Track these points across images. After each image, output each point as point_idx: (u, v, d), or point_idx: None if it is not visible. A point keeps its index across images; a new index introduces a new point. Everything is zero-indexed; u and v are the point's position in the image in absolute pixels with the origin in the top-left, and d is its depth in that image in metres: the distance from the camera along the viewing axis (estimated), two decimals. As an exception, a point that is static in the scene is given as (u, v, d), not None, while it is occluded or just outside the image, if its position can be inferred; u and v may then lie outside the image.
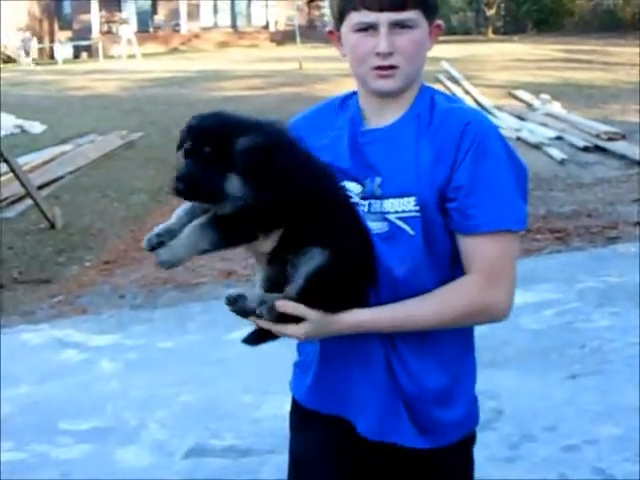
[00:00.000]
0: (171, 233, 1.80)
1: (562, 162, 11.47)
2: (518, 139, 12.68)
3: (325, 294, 1.87)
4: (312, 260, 1.84)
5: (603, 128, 12.85)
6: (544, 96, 15.95)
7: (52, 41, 38.09)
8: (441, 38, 2.04)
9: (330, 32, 2.01)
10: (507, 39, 33.88)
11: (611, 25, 35.56)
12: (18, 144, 13.21)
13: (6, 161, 8.97)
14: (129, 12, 39.01)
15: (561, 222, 8.49)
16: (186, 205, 1.85)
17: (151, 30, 39.81)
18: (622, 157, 11.53)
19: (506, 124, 13.81)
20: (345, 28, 1.93)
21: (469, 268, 1.91)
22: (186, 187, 1.75)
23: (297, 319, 1.87)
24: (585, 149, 12.08)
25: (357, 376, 2.00)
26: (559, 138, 12.77)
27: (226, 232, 1.79)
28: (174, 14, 39.87)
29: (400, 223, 1.90)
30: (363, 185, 1.94)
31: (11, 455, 4.18)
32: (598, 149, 12.09)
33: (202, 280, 7.02)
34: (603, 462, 3.82)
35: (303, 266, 1.85)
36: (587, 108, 15.49)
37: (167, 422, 4.45)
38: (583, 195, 9.83)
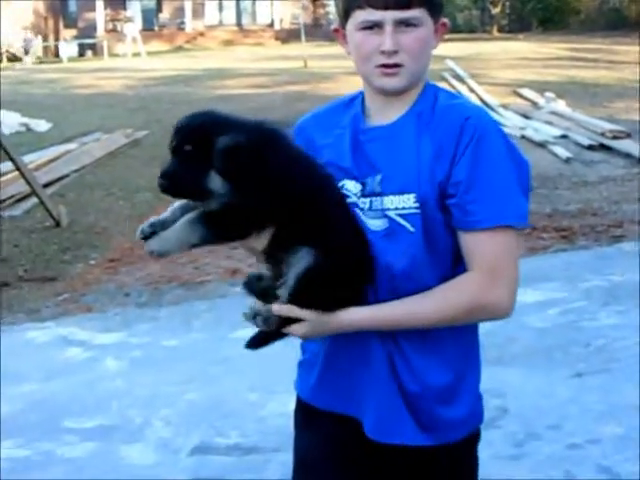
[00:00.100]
0: (164, 225, 1.86)
1: (567, 160, 11.44)
2: (523, 137, 12.65)
3: (317, 294, 1.88)
4: (302, 260, 1.86)
5: (608, 126, 12.82)
6: (549, 94, 15.92)
7: (57, 39, 38.14)
8: (446, 36, 2.04)
9: (335, 30, 2.01)
10: (512, 37, 33.84)
11: (617, 23, 35.49)
12: (23, 142, 13.23)
13: (11, 159, 8.98)
14: (134, 10, 39.01)
15: (566, 221, 8.48)
16: (182, 201, 1.89)
17: (156, 28, 39.83)
18: (627, 155, 11.50)
19: (511, 122, 13.79)
20: (350, 26, 1.93)
21: (470, 265, 1.90)
22: (169, 184, 1.81)
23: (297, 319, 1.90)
24: (590, 147, 12.05)
25: (360, 374, 2.00)
26: (564, 136, 12.74)
27: (215, 228, 1.83)
28: (179, 12, 39.87)
29: (400, 220, 1.89)
30: (364, 183, 1.94)
31: (16, 452, 4.19)
32: (603, 147, 12.06)
33: (207, 278, 7.02)
34: (608, 460, 3.82)
35: (293, 266, 1.87)
36: (592, 107, 15.45)
37: (172, 420, 4.45)
38: (588, 194, 9.81)
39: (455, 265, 1.94)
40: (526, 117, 14.50)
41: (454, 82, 18.20)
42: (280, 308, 1.90)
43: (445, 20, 1.98)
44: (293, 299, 1.88)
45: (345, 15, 1.94)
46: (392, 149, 1.93)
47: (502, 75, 20.01)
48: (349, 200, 1.95)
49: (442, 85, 2.09)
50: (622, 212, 8.79)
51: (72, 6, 40.05)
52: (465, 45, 27.01)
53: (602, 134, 12.50)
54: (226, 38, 39.27)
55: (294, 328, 1.92)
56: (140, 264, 7.50)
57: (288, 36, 37.99)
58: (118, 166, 12.11)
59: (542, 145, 12.29)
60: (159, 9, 40.51)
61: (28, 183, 9.09)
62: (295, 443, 2.18)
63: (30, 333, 5.95)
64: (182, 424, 4.40)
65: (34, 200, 9.42)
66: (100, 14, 38.52)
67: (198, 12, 40.22)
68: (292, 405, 2.18)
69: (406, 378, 1.97)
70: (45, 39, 37.57)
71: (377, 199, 1.92)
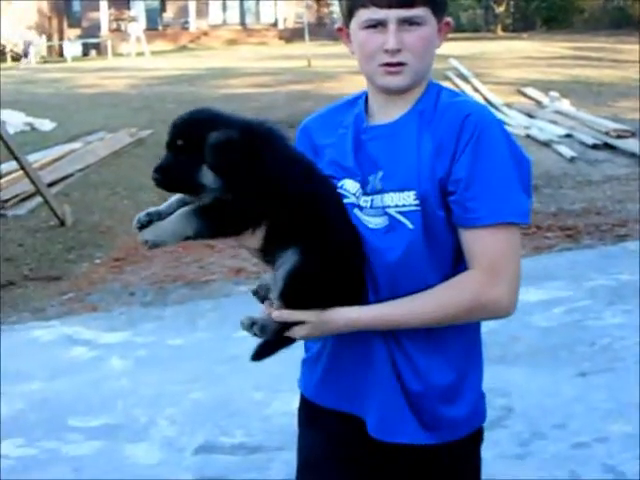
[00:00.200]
0: (160, 216, 1.87)
1: (572, 160, 11.44)
2: (527, 137, 12.65)
3: (305, 293, 1.89)
4: (289, 260, 1.87)
5: (612, 126, 12.81)
6: (553, 94, 15.91)
7: (61, 39, 38.16)
8: (450, 35, 2.04)
9: (339, 29, 2.02)
10: (516, 36, 33.82)
11: (621, 22, 35.48)
12: (28, 142, 13.24)
13: (16, 158, 8.99)
14: (138, 10, 39.01)
15: (571, 220, 8.48)
16: (181, 195, 1.91)
17: (160, 28, 39.84)
18: (631, 155, 11.48)
19: (515, 122, 13.79)
20: (354, 25, 1.93)
21: (470, 263, 1.89)
22: (162, 178, 1.84)
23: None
24: (594, 147, 12.04)
25: (362, 373, 2.00)
26: (568, 136, 12.74)
27: (210, 222, 1.85)
28: (183, 12, 39.89)
29: (400, 217, 1.89)
30: (366, 182, 1.94)
31: (21, 451, 4.20)
32: (607, 147, 12.05)
33: (212, 277, 7.03)
34: (613, 459, 3.82)
35: (281, 267, 1.89)
36: (596, 106, 15.45)
37: (177, 419, 4.46)
38: (592, 193, 9.80)
39: (456, 263, 1.93)
40: (530, 116, 14.50)
41: (458, 81, 18.20)
42: (280, 314, 1.91)
43: (449, 19, 1.98)
44: (282, 299, 1.89)
45: (349, 14, 1.94)
46: (393, 147, 1.93)
47: (506, 74, 20.00)
48: (347, 200, 1.95)
49: (446, 84, 2.09)
50: (626, 211, 8.79)
51: (76, 6, 40.07)
52: (469, 44, 27.01)
53: (606, 133, 12.50)
54: (230, 37, 39.28)
55: (295, 330, 1.93)
56: (145, 263, 7.52)
57: (292, 35, 38.00)
58: (123, 165, 12.12)
59: (546, 144, 12.28)
60: (163, 9, 40.51)
61: (33, 182, 9.10)
62: (299, 441, 2.18)
63: (35, 332, 5.96)
64: (187, 423, 4.40)
65: (39, 199, 9.43)
66: (104, 14, 38.55)
67: (202, 12, 40.24)
68: (297, 404, 2.19)
69: (408, 377, 1.97)
70: (49, 39, 37.59)
71: (377, 196, 1.92)
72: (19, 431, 4.38)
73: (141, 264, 7.52)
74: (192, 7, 39.75)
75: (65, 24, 39.50)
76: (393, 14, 1.87)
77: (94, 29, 38.03)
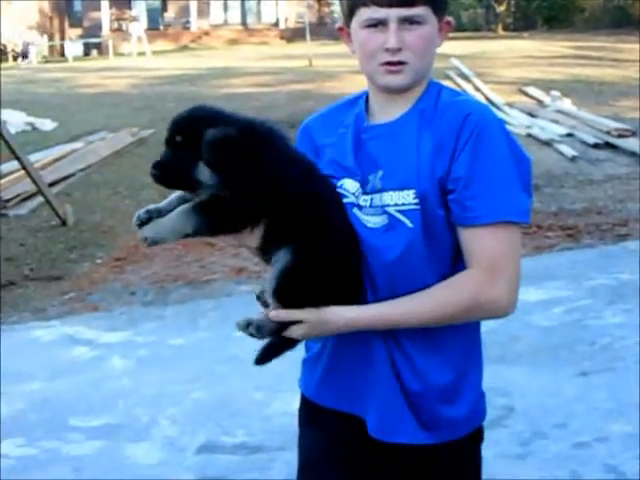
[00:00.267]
0: (160, 213, 1.88)
1: (573, 159, 11.43)
2: (529, 136, 12.65)
3: (298, 292, 1.89)
4: (282, 259, 1.88)
5: (613, 125, 12.80)
6: (554, 93, 15.91)
7: (63, 39, 38.18)
8: (451, 35, 2.04)
9: (340, 29, 2.02)
10: (517, 36, 33.82)
11: (621, 21, 35.47)
12: (29, 141, 13.25)
13: (17, 158, 9.00)
14: (139, 10, 39.02)
15: (572, 219, 8.47)
16: (180, 192, 1.92)
17: (161, 27, 39.86)
18: (632, 154, 11.48)
19: (517, 121, 13.79)
20: (354, 24, 1.94)
21: (469, 262, 1.89)
22: (160, 174, 1.85)
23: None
24: (596, 146, 12.03)
25: (362, 374, 2.00)
26: (570, 135, 12.73)
27: (208, 219, 1.85)
28: (184, 11, 39.90)
29: (399, 216, 1.89)
30: (366, 181, 1.94)
31: (22, 451, 4.20)
32: (608, 146, 12.05)
33: (213, 277, 7.03)
34: (614, 459, 3.82)
35: (274, 266, 1.89)
36: (597, 105, 15.44)
37: (178, 419, 4.46)
38: (593, 192, 9.80)
39: (455, 263, 1.93)
40: (532, 115, 14.49)
41: (459, 81, 18.19)
42: (277, 314, 1.91)
43: (449, 18, 1.98)
44: (276, 298, 1.90)
45: (350, 13, 1.94)
46: (393, 146, 1.93)
47: (507, 73, 20.00)
48: (347, 200, 1.95)
49: (447, 84, 2.09)
50: (627, 210, 8.78)
51: (77, 5, 40.08)
52: (470, 43, 27.01)
53: (607, 132, 12.49)
54: (231, 37, 39.29)
55: (292, 330, 1.92)
56: (146, 263, 7.52)
57: (293, 35, 38.01)
58: (124, 165, 12.13)
59: (548, 143, 12.28)
60: (164, 8, 40.52)
61: (34, 182, 9.10)
62: (299, 441, 2.18)
63: (36, 332, 5.96)
64: (188, 423, 4.41)
65: (40, 199, 9.44)
66: (105, 13, 38.57)
67: (203, 11, 40.25)
68: (298, 404, 2.19)
69: (408, 377, 1.96)
70: (51, 38, 37.62)
71: (377, 196, 1.92)
72: (19, 431, 4.38)
73: (142, 264, 7.52)
74: (193, 7, 39.76)
75: (66, 24, 39.51)
76: (394, 13, 1.87)
77: (95, 29, 38.05)
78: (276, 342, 1.97)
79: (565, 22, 39.01)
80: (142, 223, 1.87)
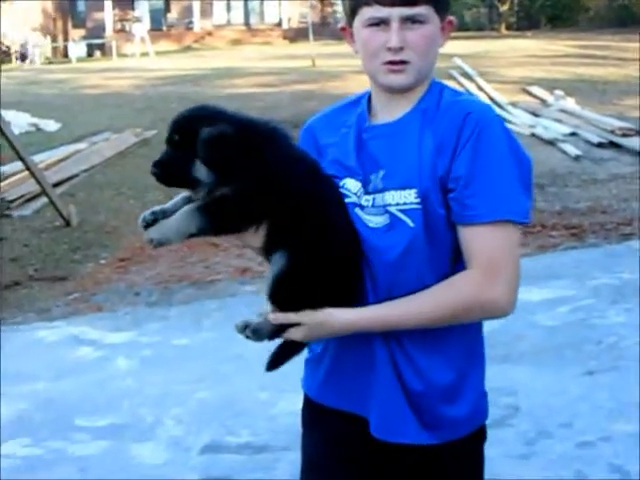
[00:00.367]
0: (165, 214, 1.89)
1: (577, 158, 11.42)
2: (533, 135, 12.65)
3: (295, 294, 1.89)
4: (279, 261, 1.88)
5: (617, 124, 12.79)
6: (558, 92, 15.90)
7: (66, 40, 38.20)
8: (454, 34, 2.04)
9: (342, 28, 2.02)
10: (520, 35, 33.75)
11: (625, 20, 35.39)
12: (33, 142, 13.27)
13: (21, 159, 9.01)
14: (142, 10, 39.03)
15: (576, 218, 8.47)
16: (185, 193, 1.93)
17: (164, 28, 39.85)
18: (636, 153, 11.47)
19: (520, 120, 13.78)
20: (357, 23, 1.94)
21: (468, 262, 1.88)
22: (160, 172, 1.87)
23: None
24: (599, 145, 12.03)
25: (364, 374, 2.00)
26: (573, 134, 12.72)
27: (212, 219, 1.86)
28: (187, 12, 39.89)
29: (400, 215, 1.89)
30: (368, 181, 1.94)
31: (28, 451, 4.21)
32: (612, 145, 12.04)
33: (218, 277, 7.04)
34: (619, 459, 3.81)
35: (271, 268, 1.90)
36: (601, 104, 15.42)
37: (183, 419, 4.47)
38: (598, 191, 9.79)
39: (455, 263, 1.93)
40: (535, 115, 14.47)
41: (462, 80, 18.18)
42: (276, 317, 1.92)
43: (452, 18, 1.98)
44: (272, 300, 1.90)
45: (352, 13, 1.95)
46: (395, 145, 1.93)
47: (511, 73, 19.97)
48: (349, 199, 1.96)
49: (450, 83, 2.09)
50: (631, 210, 8.77)
51: (80, 6, 40.12)
52: (473, 43, 26.97)
53: (611, 131, 12.48)
54: (234, 37, 39.28)
55: (291, 332, 1.93)
56: (150, 263, 7.53)
57: (296, 35, 37.98)
58: (128, 165, 12.14)
59: (552, 143, 12.27)
60: (167, 9, 40.52)
61: (38, 183, 9.12)
62: (302, 441, 2.19)
63: (40, 332, 5.97)
64: (193, 423, 4.41)
65: (44, 200, 9.45)
66: (108, 14, 38.58)
67: (206, 12, 40.23)
68: (301, 404, 2.19)
69: (409, 377, 1.96)
70: (54, 39, 37.64)
71: (379, 195, 1.92)
72: (25, 431, 4.39)
73: (146, 264, 7.53)
74: (196, 7, 39.75)
75: (69, 25, 39.53)
76: (396, 12, 1.87)
77: (98, 30, 38.06)
78: (285, 346, 1.98)
79: (569, 21, 38.96)
80: (148, 225, 1.88)
